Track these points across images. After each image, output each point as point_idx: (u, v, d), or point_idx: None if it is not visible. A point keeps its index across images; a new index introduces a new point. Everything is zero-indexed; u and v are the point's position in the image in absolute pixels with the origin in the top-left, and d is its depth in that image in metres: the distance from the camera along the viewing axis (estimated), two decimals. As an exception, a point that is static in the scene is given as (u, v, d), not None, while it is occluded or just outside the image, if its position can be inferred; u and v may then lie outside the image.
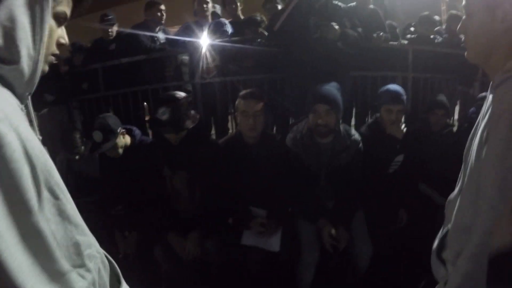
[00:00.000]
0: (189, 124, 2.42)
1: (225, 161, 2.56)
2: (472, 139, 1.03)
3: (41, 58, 0.76)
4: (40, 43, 0.75)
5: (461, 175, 1.11)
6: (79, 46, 3.97)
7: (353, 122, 3.94)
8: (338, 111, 2.43)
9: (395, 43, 3.76)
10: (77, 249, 0.76)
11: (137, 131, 2.88)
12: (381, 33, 3.47)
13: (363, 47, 3.31)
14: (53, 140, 3.84)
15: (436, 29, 4.11)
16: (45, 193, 0.69)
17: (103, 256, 0.87)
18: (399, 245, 2.58)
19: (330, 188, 2.56)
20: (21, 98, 0.76)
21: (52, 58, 0.84)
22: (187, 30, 3.59)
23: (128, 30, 3.78)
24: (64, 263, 0.70)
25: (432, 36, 3.89)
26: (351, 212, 2.53)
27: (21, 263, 0.60)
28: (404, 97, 2.65)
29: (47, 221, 0.67)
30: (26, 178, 0.63)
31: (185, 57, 3.85)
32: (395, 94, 2.62)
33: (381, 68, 3.70)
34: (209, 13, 3.81)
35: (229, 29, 3.70)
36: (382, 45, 3.57)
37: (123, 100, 3.86)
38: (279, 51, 3.26)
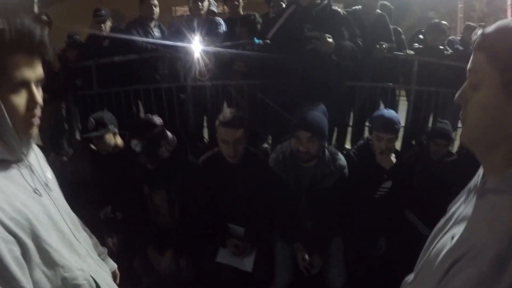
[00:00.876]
0: (164, 154, 2.41)
1: (204, 179, 2.55)
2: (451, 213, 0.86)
3: (11, 135, 0.92)
4: (2, 127, 0.89)
5: (420, 258, 0.94)
6: (73, 40, 3.91)
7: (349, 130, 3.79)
8: (322, 138, 2.33)
9: (400, 53, 3.53)
10: (64, 283, 1.04)
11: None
12: (383, 45, 3.26)
13: (362, 58, 3.11)
14: (48, 138, 3.91)
15: (450, 38, 3.84)
16: (32, 248, 0.94)
17: (90, 280, 1.13)
18: (376, 271, 2.51)
19: (310, 210, 2.48)
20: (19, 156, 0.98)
21: (29, 123, 0.96)
22: (180, 30, 3.47)
23: (122, 27, 3.69)
24: None
25: (441, 47, 3.64)
26: (330, 236, 2.49)
27: None
28: (398, 126, 2.49)
29: (35, 269, 0.96)
30: (12, 260, 0.88)
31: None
32: (388, 122, 2.46)
33: (382, 78, 3.50)
34: (204, 11, 3.64)
35: (222, 29, 3.56)
36: (385, 55, 3.36)
37: (116, 99, 3.80)
38: (272, 58, 3.10)
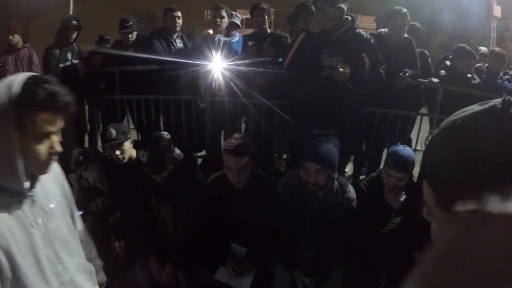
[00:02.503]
0: (169, 166, 2.45)
1: (210, 198, 2.58)
2: None
3: (20, 176, 1.06)
4: (12, 170, 1.03)
5: None
6: (106, 39, 3.98)
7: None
8: (331, 170, 2.28)
9: (424, 80, 3.43)
10: None
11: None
12: (407, 73, 3.17)
13: (382, 86, 3.03)
14: (70, 136, 4.04)
15: (477, 65, 3.71)
16: (5, 264, 1.05)
17: None
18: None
19: (313, 239, 2.46)
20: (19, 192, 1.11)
21: (47, 165, 1.14)
22: (199, 46, 3.48)
23: (146, 35, 3.75)
24: None
25: (469, 75, 3.52)
26: (330, 267, 2.46)
27: None
28: (412, 166, 2.42)
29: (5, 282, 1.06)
30: None
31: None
32: (401, 161, 2.39)
33: (404, 105, 3.40)
34: (222, 28, 3.61)
35: (238, 48, 3.55)
36: (409, 83, 3.28)
37: (137, 105, 3.88)
38: (291, 81, 3.08)
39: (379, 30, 3.53)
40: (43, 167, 1.14)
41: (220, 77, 3.29)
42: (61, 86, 1.10)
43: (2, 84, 1.05)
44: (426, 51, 3.85)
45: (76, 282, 1.33)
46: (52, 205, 1.26)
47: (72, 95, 1.12)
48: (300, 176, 2.34)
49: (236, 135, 2.49)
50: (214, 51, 3.28)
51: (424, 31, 3.82)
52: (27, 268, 1.13)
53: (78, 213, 1.50)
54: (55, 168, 1.33)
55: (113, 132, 2.82)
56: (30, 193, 1.16)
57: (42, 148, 1.09)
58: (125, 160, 2.91)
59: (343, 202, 2.39)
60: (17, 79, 1.05)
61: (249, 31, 4.40)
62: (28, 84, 1.04)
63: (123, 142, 2.87)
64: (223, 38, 3.45)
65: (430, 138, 0.68)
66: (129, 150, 2.92)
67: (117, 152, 2.85)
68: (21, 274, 1.11)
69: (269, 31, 4.00)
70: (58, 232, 1.27)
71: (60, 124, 1.12)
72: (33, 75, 1.09)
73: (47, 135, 1.09)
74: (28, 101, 1.03)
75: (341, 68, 2.63)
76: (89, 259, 1.50)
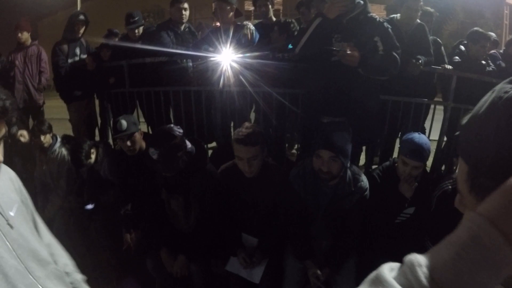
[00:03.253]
0: (180, 165, 2.40)
1: (221, 189, 2.56)
2: None
3: None
4: None
5: None
6: (115, 32, 3.99)
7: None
8: (345, 158, 2.23)
9: (438, 67, 3.35)
10: None
11: None
12: (420, 60, 3.10)
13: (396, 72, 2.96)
14: (81, 130, 4.08)
15: (492, 52, 3.61)
16: None
17: None
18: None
19: (326, 229, 2.43)
20: None
21: None
22: (209, 37, 3.45)
23: (153, 28, 3.73)
24: None
25: (483, 62, 3.43)
26: (343, 257, 2.41)
27: None
28: (427, 154, 2.36)
29: None
30: None
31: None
32: (417, 148, 2.33)
33: (417, 93, 3.33)
34: (227, 18, 3.51)
35: (255, 36, 3.51)
36: (422, 70, 3.20)
37: (146, 98, 3.87)
38: (301, 68, 3.03)
39: (391, 16, 3.45)
40: None
41: (234, 66, 3.26)
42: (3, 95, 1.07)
43: None
44: (439, 40, 3.77)
45: None
46: (11, 213, 1.20)
47: (11, 99, 1.09)
48: (313, 164, 2.30)
49: (246, 124, 2.45)
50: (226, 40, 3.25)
51: (438, 16, 3.71)
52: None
53: (42, 224, 1.42)
54: (11, 174, 1.29)
55: (124, 123, 2.82)
56: None
57: None
58: (136, 151, 2.91)
59: (356, 191, 2.35)
60: None
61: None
62: None
63: (134, 133, 2.87)
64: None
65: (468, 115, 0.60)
66: (139, 141, 2.93)
67: (128, 143, 2.86)
68: None
69: (274, 19, 3.96)
70: (23, 240, 1.20)
71: (2, 132, 1.09)
72: None
73: None
74: None
75: (350, 51, 2.53)
76: (66, 274, 1.41)
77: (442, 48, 3.72)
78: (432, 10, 3.75)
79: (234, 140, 2.38)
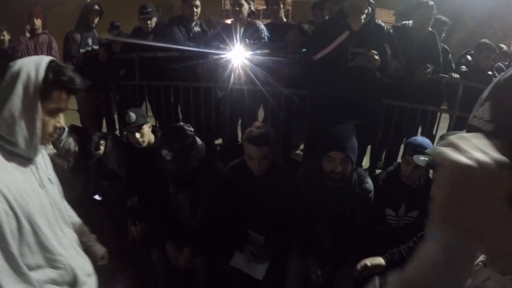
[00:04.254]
0: (194, 163, 2.43)
1: (228, 186, 2.59)
2: None
3: (36, 140, 1.24)
4: (33, 132, 1.22)
5: None
6: (119, 32, 4.04)
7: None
8: (355, 158, 2.29)
9: (445, 75, 3.39)
10: (46, 261, 1.31)
11: (159, 130, 3.07)
12: (428, 69, 3.14)
13: (403, 77, 3.02)
14: (89, 121, 4.11)
15: (497, 65, 3.66)
16: (27, 228, 1.21)
17: (68, 266, 1.39)
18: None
19: (330, 229, 2.46)
20: (28, 158, 1.28)
21: (49, 137, 1.32)
22: (219, 35, 3.48)
23: (166, 22, 3.76)
24: (25, 269, 1.21)
25: (490, 73, 3.47)
26: (345, 257, 2.44)
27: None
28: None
29: (24, 244, 1.22)
30: (8, 230, 1.14)
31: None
32: (419, 148, 2.35)
33: (424, 100, 3.37)
34: (243, 16, 3.54)
35: (264, 34, 3.54)
36: (430, 78, 3.24)
37: (156, 92, 3.91)
38: (311, 71, 3.08)
39: (403, 22, 3.47)
40: (47, 139, 1.31)
41: (245, 63, 3.30)
42: (76, 73, 1.30)
43: (28, 61, 1.23)
44: (446, 47, 3.80)
45: (73, 246, 1.51)
46: (50, 174, 1.42)
47: (83, 83, 1.33)
48: (324, 167, 2.32)
49: (257, 123, 2.47)
50: (239, 37, 3.28)
51: (451, 25, 3.74)
52: (44, 227, 1.28)
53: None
54: (44, 152, 1.47)
55: (133, 115, 2.83)
56: (35, 161, 1.32)
57: (52, 122, 1.28)
58: (145, 144, 2.92)
59: (361, 192, 2.39)
60: (42, 59, 1.25)
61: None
62: (54, 66, 1.25)
63: (143, 124, 2.89)
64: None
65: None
66: (148, 133, 2.94)
67: (137, 135, 2.86)
68: (40, 234, 1.27)
69: (285, 20, 4.00)
70: (56, 199, 1.43)
71: (68, 103, 1.32)
72: (54, 60, 1.28)
73: (58, 111, 1.29)
74: (54, 80, 1.23)
75: (375, 56, 2.65)
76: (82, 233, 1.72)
77: (450, 55, 3.75)
78: (446, 19, 3.77)
79: (245, 139, 2.39)
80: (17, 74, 1.20)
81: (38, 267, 1.29)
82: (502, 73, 0.62)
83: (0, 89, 1.21)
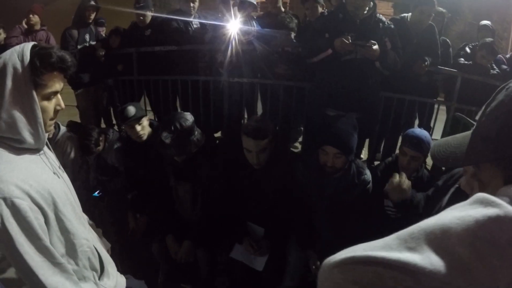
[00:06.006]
0: (192, 149, 2.45)
1: (228, 178, 2.59)
2: None
3: (41, 129, 1.20)
4: (36, 123, 1.18)
5: None
6: (115, 29, 4.03)
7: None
8: (349, 154, 2.29)
9: (443, 68, 3.39)
10: (73, 248, 1.31)
11: (156, 124, 3.06)
12: (426, 62, 3.14)
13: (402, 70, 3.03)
14: (88, 116, 4.10)
15: (498, 57, 3.65)
16: (52, 217, 1.21)
17: (93, 249, 1.41)
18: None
19: (329, 220, 2.48)
20: (38, 148, 1.26)
21: (52, 123, 1.28)
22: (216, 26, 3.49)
23: (164, 16, 3.76)
24: (61, 259, 1.22)
25: (488, 65, 3.47)
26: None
27: (37, 262, 1.15)
28: (426, 146, 2.39)
29: (53, 234, 1.22)
30: (37, 225, 1.14)
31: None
32: (418, 139, 2.38)
33: (421, 92, 3.37)
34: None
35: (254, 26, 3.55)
36: (427, 70, 3.25)
37: (154, 86, 3.90)
38: (309, 64, 3.07)
39: (402, 15, 3.44)
40: (50, 124, 1.28)
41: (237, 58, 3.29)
42: (63, 51, 1.25)
43: (11, 53, 1.16)
44: (448, 40, 3.78)
45: (92, 231, 1.55)
46: (58, 164, 1.42)
47: (73, 58, 1.27)
48: (319, 159, 2.34)
49: (256, 117, 2.48)
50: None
51: (450, 17, 3.72)
52: (68, 213, 1.28)
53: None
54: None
55: (132, 108, 2.80)
56: (44, 151, 1.31)
57: (51, 106, 1.24)
58: (145, 137, 2.89)
59: (360, 184, 2.40)
60: (25, 47, 1.18)
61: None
62: (39, 50, 1.19)
63: (142, 117, 2.86)
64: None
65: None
66: (147, 127, 2.92)
67: (138, 128, 2.82)
68: (65, 221, 1.27)
69: (283, 9, 4.00)
70: (69, 184, 1.44)
71: (63, 83, 1.28)
72: (36, 44, 1.22)
73: (55, 94, 1.24)
74: (42, 64, 1.17)
75: (373, 46, 2.66)
76: None
77: (450, 49, 3.75)
78: (444, 10, 3.74)
79: (243, 132, 2.40)
80: (2, 71, 1.14)
81: (67, 254, 1.30)
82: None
83: None
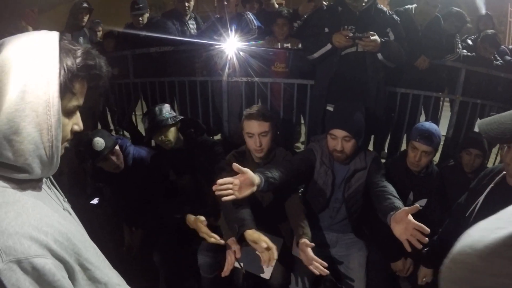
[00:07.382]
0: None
1: (229, 174, 2.46)
2: None
3: (57, 155, 0.85)
4: (52, 145, 0.83)
5: None
6: (109, 32, 3.97)
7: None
8: (359, 138, 2.24)
9: (447, 59, 3.33)
10: None
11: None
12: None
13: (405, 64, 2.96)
14: (84, 121, 4.01)
15: (502, 48, 3.59)
16: (77, 270, 0.88)
17: None
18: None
19: (343, 204, 2.38)
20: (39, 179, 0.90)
21: (67, 144, 0.94)
22: (213, 26, 3.41)
23: (158, 17, 3.69)
24: None
25: (492, 57, 3.41)
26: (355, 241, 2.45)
27: None
28: (437, 139, 2.32)
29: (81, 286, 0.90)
30: (67, 285, 0.82)
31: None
32: (427, 132, 2.30)
33: (425, 86, 3.30)
34: (230, 8, 3.51)
35: (254, 25, 3.47)
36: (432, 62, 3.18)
37: (151, 89, 3.82)
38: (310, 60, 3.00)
39: (406, 7, 3.37)
40: (62, 148, 0.91)
41: (240, 54, 3.23)
42: (103, 60, 0.96)
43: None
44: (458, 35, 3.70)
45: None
46: (63, 196, 1.08)
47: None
48: (328, 145, 2.29)
49: (257, 105, 2.45)
50: (232, 27, 3.21)
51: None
52: (94, 259, 0.97)
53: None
54: None
55: (99, 140, 2.47)
56: (48, 180, 1.00)
57: (69, 125, 0.91)
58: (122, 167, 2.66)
59: (368, 163, 2.32)
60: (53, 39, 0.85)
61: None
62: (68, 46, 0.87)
63: (115, 145, 2.58)
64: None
65: None
66: (120, 156, 2.65)
67: (113, 158, 2.56)
68: (93, 269, 0.95)
69: (277, 6, 3.95)
70: (76, 218, 1.10)
71: (82, 98, 0.94)
72: (62, 36, 0.90)
73: (76, 110, 0.91)
74: (80, 66, 0.87)
75: (371, 36, 2.59)
76: None
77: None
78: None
79: (245, 116, 2.34)
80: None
81: None
82: None
83: None
